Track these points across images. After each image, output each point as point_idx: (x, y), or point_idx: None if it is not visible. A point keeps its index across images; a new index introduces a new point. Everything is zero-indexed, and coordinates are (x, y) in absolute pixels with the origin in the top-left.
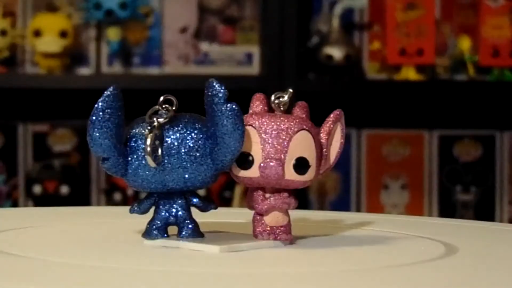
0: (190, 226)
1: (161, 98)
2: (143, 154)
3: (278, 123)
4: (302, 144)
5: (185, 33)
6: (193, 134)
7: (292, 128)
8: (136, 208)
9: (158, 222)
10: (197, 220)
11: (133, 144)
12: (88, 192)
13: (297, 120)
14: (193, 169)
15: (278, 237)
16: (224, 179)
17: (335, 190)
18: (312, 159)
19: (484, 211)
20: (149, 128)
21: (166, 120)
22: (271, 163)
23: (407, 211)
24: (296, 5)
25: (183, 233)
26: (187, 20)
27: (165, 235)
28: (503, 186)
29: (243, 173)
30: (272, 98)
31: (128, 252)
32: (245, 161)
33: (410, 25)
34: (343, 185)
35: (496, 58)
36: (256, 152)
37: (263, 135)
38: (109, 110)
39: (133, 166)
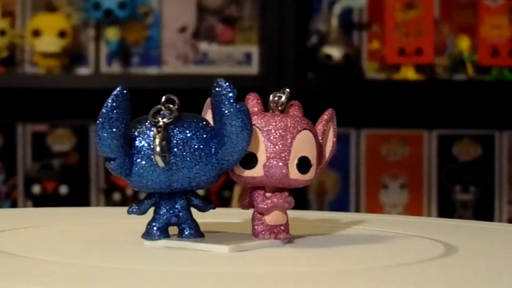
0: (192, 226)
1: (164, 98)
2: (148, 154)
3: (281, 122)
4: (304, 144)
5: (184, 33)
6: (198, 134)
7: (295, 128)
8: (135, 208)
9: (159, 222)
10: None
11: (138, 144)
12: (87, 192)
13: (299, 120)
14: (198, 169)
15: (278, 236)
16: (223, 179)
17: (334, 190)
18: (313, 158)
19: (483, 211)
20: (157, 128)
21: (170, 120)
22: (276, 163)
23: (406, 211)
24: (295, 5)
25: (185, 233)
26: (186, 20)
27: (167, 235)
28: (502, 186)
29: (246, 173)
30: (271, 98)
31: (129, 252)
32: (249, 160)
33: (409, 25)
34: (342, 185)
35: (495, 57)
36: (260, 151)
37: (267, 135)
38: (117, 110)
39: (138, 167)
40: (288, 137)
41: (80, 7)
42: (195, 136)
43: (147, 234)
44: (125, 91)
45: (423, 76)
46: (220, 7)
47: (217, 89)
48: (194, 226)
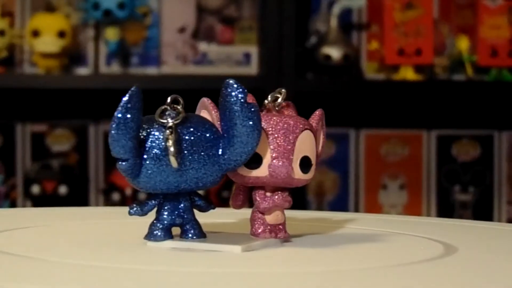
0: (195, 227)
1: (169, 98)
2: (158, 155)
3: (284, 123)
4: (306, 144)
5: (183, 33)
6: (205, 134)
7: (298, 128)
8: (137, 209)
9: (164, 223)
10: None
11: (148, 145)
12: (86, 192)
13: (300, 120)
14: (206, 169)
15: (278, 235)
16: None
17: (333, 190)
18: (313, 157)
19: (482, 211)
20: (168, 128)
21: (179, 121)
22: (281, 163)
23: (406, 211)
24: (294, 5)
25: (189, 234)
26: (185, 20)
27: (171, 236)
28: (502, 186)
29: (250, 173)
30: (269, 98)
31: (133, 253)
32: (253, 160)
33: (408, 25)
34: (341, 185)
35: (495, 58)
36: (265, 151)
37: (271, 135)
38: (132, 111)
39: (147, 168)
40: (291, 137)
41: (79, 7)
42: (203, 136)
43: (151, 235)
44: (139, 91)
45: (422, 77)
46: (220, 7)
47: (227, 89)
48: (198, 226)
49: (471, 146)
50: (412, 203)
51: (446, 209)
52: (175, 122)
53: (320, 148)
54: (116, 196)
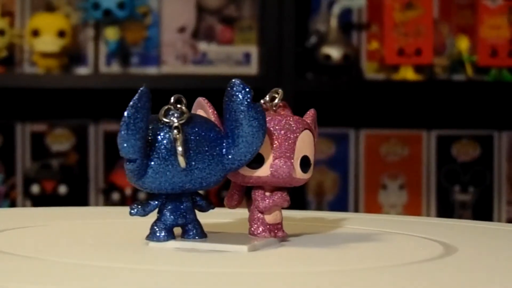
0: (197, 227)
1: (173, 98)
2: (164, 155)
3: (285, 123)
4: (305, 143)
5: (183, 33)
6: (210, 134)
7: (298, 128)
8: (139, 209)
9: (166, 223)
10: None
11: (155, 145)
12: (86, 192)
13: (300, 120)
14: (210, 169)
15: (277, 235)
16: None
17: (333, 190)
18: (312, 157)
19: (482, 211)
20: (175, 128)
21: (184, 121)
22: (283, 163)
23: (405, 211)
24: (294, 5)
25: (191, 234)
26: (185, 20)
27: (173, 237)
28: (501, 186)
29: (251, 172)
30: (267, 98)
31: (136, 253)
32: (255, 160)
33: (408, 25)
34: (341, 185)
35: (494, 58)
36: (266, 151)
37: (272, 135)
38: (142, 110)
39: (153, 168)
40: (292, 136)
41: (79, 7)
42: (207, 136)
43: (153, 236)
44: (148, 91)
45: (422, 77)
46: (219, 7)
47: (233, 89)
48: (199, 226)
49: (471, 146)
50: (412, 203)
51: (446, 209)
52: (181, 122)
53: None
54: (116, 196)
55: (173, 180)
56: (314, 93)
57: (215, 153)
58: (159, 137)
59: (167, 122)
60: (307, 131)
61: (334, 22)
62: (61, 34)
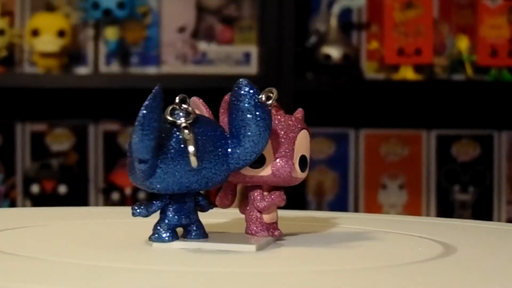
0: (199, 227)
1: (178, 98)
2: (172, 155)
3: (285, 122)
4: (303, 143)
5: (183, 32)
6: (215, 134)
7: (297, 127)
8: (142, 210)
9: (170, 224)
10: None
11: (164, 145)
12: (86, 192)
13: (297, 120)
14: (216, 169)
15: (274, 234)
16: None
17: (333, 190)
18: (308, 156)
19: (482, 211)
20: (185, 128)
21: (190, 121)
22: (285, 162)
23: (405, 211)
24: (294, 5)
25: (194, 234)
26: (185, 20)
27: (177, 237)
28: (501, 186)
29: (252, 172)
30: (262, 97)
31: (140, 253)
32: (257, 160)
33: (408, 25)
34: (341, 185)
35: (494, 58)
36: (268, 151)
37: (273, 134)
38: (156, 110)
39: (162, 168)
40: (291, 136)
41: (79, 7)
42: (212, 136)
43: (158, 236)
44: (161, 91)
45: (422, 76)
46: (219, 7)
47: (240, 89)
48: (201, 226)
49: (470, 146)
50: (412, 203)
51: (446, 209)
52: (188, 121)
53: None
54: (115, 196)
55: (181, 180)
56: (314, 93)
57: (220, 153)
58: (167, 137)
59: (174, 122)
60: (304, 131)
61: (334, 22)
62: (61, 34)
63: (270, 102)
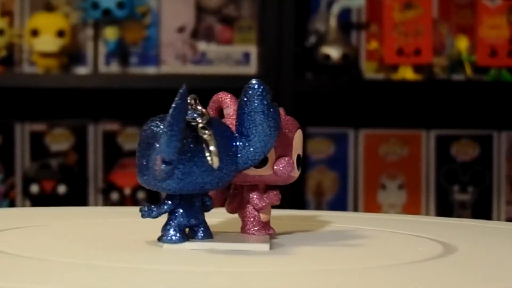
0: (206, 227)
1: (190, 99)
2: (189, 155)
3: (285, 122)
4: (299, 142)
5: (182, 32)
6: (225, 134)
7: (294, 127)
8: (154, 211)
9: (181, 225)
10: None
11: (183, 145)
12: (85, 192)
13: (293, 120)
14: (227, 169)
15: (269, 232)
16: None
17: (332, 190)
18: (301, 155)
19: (481, 211)
20: (204, 129)
21: (205, 121)
22: (286, 162)
23: (405, 211)
24: (293, 5)
25: (201, 235)
26: (184, 20)
27: (186, 238)
28: (501, 186)
29: (255, 172)
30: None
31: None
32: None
33: (407, 25)
34: (340, 184)
35: (494, 58)
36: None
37: None
38: (183, 111)
39: (180, 169)
40: (290, 136)
41: (78, 7)
42: (223, 136)
43: (169, 238)
44: (187, 91)
45: (421, 76)
46: (219, 7)
47: (252, 90)
48: (207, 227)
49: (470, 146)
50: (411, 203)
51: (445, 209)
52: (204, 122)
53: None
54: (115, 196)
55: (196, 181)
56: (313, 93)
57: (230, 153)
58: (185, 138)
59: (190, 122)
60: (299, 130)
61: (333, 22)
62: (60, 34)
63: None
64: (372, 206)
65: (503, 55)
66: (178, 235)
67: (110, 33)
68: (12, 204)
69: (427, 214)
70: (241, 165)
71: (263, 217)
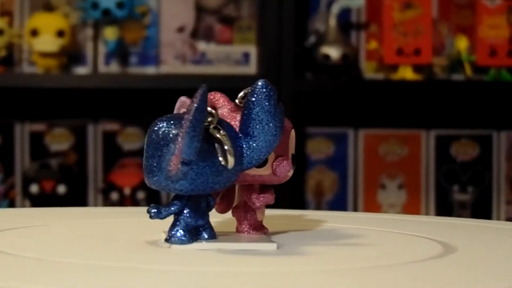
0: (211, 227)
1: None
2: (203, 156)
3: None
4: (292, 142)
5: (182, 32)
6: (232, 134)
7: (289, 127)
8: (162, 212)
9: (189, 225)
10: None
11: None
12: (85, 192)
13: (288, 120)
14: (234, 169)
15: (264, 231)
16: None
17: (332, 190)
18: (294, 154)
19: (481, 211)
20: (217, 129)
21: (216, 121)
22: (286, 161)
23: (404, 211)
24: (293, 5)
25: (206, 235)
26: (184, 20)
27: (194, 239)
28: (500, 186)
29: (255, 171)
30: (242, 94)
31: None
32: None
33: (407, 25)
34: (340, 184)
35: (493, 58)
36: None
37: None
38: (204, 111)
39: (194, 170)
40: (286, 135)
41: (78, 7)
42: (232, 136)
43: (177, 238)
44: (207, 90)
45: (421, 76)
46: (218, 6)
47: (260, 90)
48: (212, 227)
49: (470, 146)
50: (411, 203)
51: (445, 209)
52: (215, 122)
53: None
54: (114, 196)
55: (208, 181)
56: (313, 93)
57: (238, 153)
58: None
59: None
60: (293, 131)
61: (333, 22)
62: (60, 33)
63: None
64: (372, 206)
65: (502, 55)
66: (186, 235)
67: (110, 33)
68: (12, 204)
69: (427, 214)
70: (245, 165)
71: (259, 216)
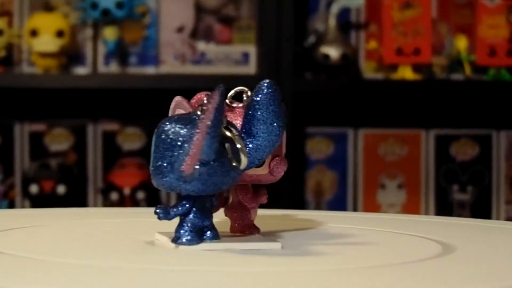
0: (215, 227)
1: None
2: (217, 156)
3: None
4: (283, 142)
5: (181, 32)
6: (238, 134)
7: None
8: (170, 213)
9: (196, 226)
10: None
11: None
12: (84, 192)
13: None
14: (238, 169)
15: (256, 231)
16: None
17: (332, 190)
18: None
19: (480, 210)
20: (228, 130)
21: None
22: (283, 161)
23: (404, 210)
24: (292, 5)
25: (211, 235)
26: (183, 20)
27: (201, 239)
28: (500, 186)
29: (253, 171)
30: (232, 93)
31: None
32: None
33: (406, 25)
34: (340, 184)
35: (493, 57)
36: None
37: None
38: (222, 111)
39: (206, 170)
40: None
41: (77, 7)
42: (237, 136)
43: (185, 239)
44: (224, 90)
45: (420, 76)
46: (218, 6)
47: (267, 90)
48: (215, 227)
49: (469, 145)
50: (411, 203)
51: (445, 209)
52: (225, 122)
53: None
54: (114, 196)
55: (217, 181)
56: (312, 93)
57: None
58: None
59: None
60: (284, 131)
61: (332, 22)
62: (59, 34)
63: (242, 103)
64: (372, 206)
65: (502, 55)
66: (194, 236)
67: (109, 33)
68: (11, 204)
69: (427, 213)
70: (248, 165)
71: (253, 215)
